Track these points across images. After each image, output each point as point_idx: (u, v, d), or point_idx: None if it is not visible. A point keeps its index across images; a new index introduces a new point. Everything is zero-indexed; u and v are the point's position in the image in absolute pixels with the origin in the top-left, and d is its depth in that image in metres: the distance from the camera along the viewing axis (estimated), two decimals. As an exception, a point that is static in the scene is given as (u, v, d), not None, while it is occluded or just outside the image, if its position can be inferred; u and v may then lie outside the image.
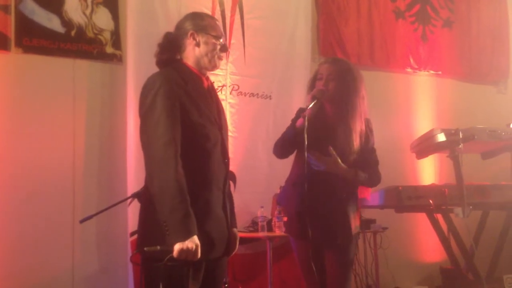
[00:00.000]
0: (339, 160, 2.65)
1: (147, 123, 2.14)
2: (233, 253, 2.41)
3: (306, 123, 2.58)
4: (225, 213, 2.27)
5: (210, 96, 2.32)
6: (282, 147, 2.81)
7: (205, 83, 2.32)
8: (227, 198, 2.36)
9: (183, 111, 2.14)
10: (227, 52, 4.51)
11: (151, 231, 2.13)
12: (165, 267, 2.03)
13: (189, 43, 2.29)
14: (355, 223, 2.75)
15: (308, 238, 2.57)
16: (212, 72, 4.30)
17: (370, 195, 4.03)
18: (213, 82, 4.37)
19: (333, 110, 2.74)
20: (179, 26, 2.33)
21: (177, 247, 2.00)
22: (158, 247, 2.04)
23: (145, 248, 2.07)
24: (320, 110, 2.71)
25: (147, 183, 2.13)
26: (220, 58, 2.33)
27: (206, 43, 2.28)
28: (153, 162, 2.09)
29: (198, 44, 2.28)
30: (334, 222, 2.70)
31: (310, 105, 2.64)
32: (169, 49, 2.31)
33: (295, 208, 2.76)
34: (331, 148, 2.64)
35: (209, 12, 4.46)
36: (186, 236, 2.02)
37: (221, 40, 2.33)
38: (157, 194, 2.06)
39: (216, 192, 2.22)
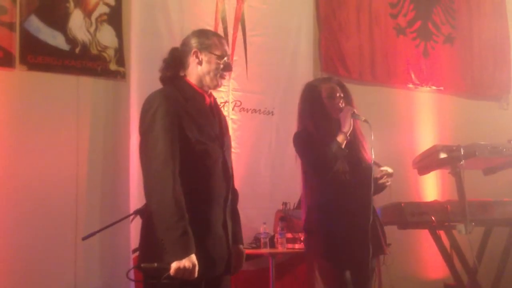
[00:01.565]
0: None
1: (146, 141, 2.16)
2: (238, 270, 2.42)
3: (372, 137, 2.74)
4: (225, 231, 2.26)
5: (212, 113, 2.34)
6: (331, 167, 2.73)
7: (207, 100, 2.34)
8: (232, 214, 2.38)
9: (182, 129, 2.15)
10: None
11: (151, 248, 2.13)
12: (162, 285, 2.03)
13: (192, 61, 2.31)
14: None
15: (354, 256, 2.65)
16: (215, 88, 4.44)
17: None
18: (215, 98, 4.42)
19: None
20: (185, 43, 2.36)
21: (174, 265, 2.01)
22: (156, 264, 2.05)
23: (142, 265, 2.10)
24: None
25: (146, 201, 2.14)
26: (222, 77, 2.35)
27: (208, 62, 2.30)
28: (151, 180, 2.10)
29: (200, 63, 2.30)
30: (378, 229, 2.80)
31: (362, 119, 2.78)
32: (174, 65, 2.33)
33: (337, 232, 2.71)
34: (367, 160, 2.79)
35: (211, 29, 4.51)
36: (184, 254, 2.02)
37: (226, 59, 2.34)
38: (155, 211, 2.08)
39: (216, 209, 2.22)
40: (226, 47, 2.38)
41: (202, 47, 2.31)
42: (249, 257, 3.98)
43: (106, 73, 4.18)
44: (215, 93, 4.30)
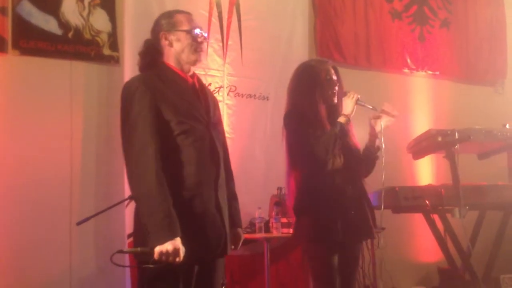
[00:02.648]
0: None
1: (125, 127, 2.16)
2: (237, 249, 2.42)
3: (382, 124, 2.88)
4: (218, 212, 2.22)
5: (195, 93, 2.30)
6: (333, 150, 2.71)
7: (190, 81, 2.31)
8: (230, 197, 2.37)
9: (161, 112, 2.13)
10: (225, 54, 4.53)
11: (140, 233, 2.13)
12: (153, 269, 2.02)
13: (164, 45, 2.30)
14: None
15: (344, 239, 2.64)
16: (209, 73, 4.43)
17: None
18: (210, 83, 4.41)
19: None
20: (152, 30, 2.35)
21: (156, 249, 1.99)
22: (139, 249, 2.05)
23: (124, 250, 2.09)
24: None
25: (129, 186, 2.14)
26: (198, 51, 2.31)
27: (178, 40, 2.28)
28: (132, 165, 2.10)
29: (171, 44, 2.29)
30: (367, 213, 2.79)
31: (369, 106, 2.85)
32: (150, 54, 2.31)
33: (327, 213, 2.69)
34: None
35: (206, 14, 4.48)
36: (166, 238, 2.00)
37: (196, 32, 2.30)
38: (137, 196, 2.08)
39: (207, 190, 2.19)
40: (194, 22, 2.34)
41: (168, 27, 2.29)
42: (244, 241, 3.96)
43: (99, 58, 4.15)
44: (210, 79, 4.42)
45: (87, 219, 3.09)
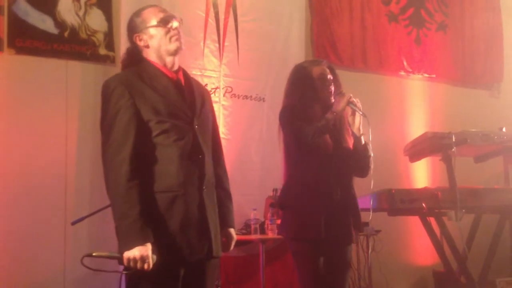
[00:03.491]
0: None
1: (102, 128, 2.12)
2: (225, 252, 2.33)
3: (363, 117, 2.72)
4: (202, 213, 2.13)
5: (179, 90, 2.21)
6: (315, 137, 2.67)
7: (173, 77, 2.22)
8: (223, 197, 2.31)
9: (140, 109, 2.07)
10: (221, 55, 4.52)
11: None
12: (132, 274, 1.98)
13: (141, 46, 2.22)
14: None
15: (326, 238, 2.60)
16: (206, 74, 4.41)
17: (363, 197, 4.02)
18: (206, 84, 4.39)
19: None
20: (127, 36, 2.28)
21: (124, 255, 1.95)
22: (107, 253, 2.00)
23: (93, 253, 2.02)
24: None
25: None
26: (175, 39, 2.20)
27: (151, 37, 2.20)
28: (105, 168, 2.06)
29: (146, 43, 2.20)
30: (350, 218, 2.74)
31: (359, 111, 2.73)
32: (130, 59, 2.24)
33: (311, 209, 2.67)
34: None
35: (202, 14, 4.48)
36: (134, 244, 1.94)
37: (166, 22, 2.21)
38: (110, 200, 2.03)
39: (189, 189, 2.10)
40: (162, 11, 2.24)
41: (138, 28, 2.21)
42: (239, 243, 3.96)
43: (95, 58, 4.14)
44: (206, 79, 4.40)
45: (82, 218, 3.07)
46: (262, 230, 4.04)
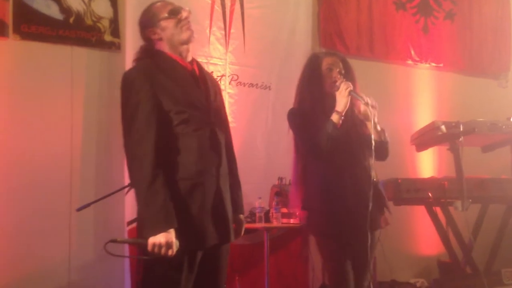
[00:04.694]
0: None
1: (124, 118, 2.15)
2: (237, 238, 2.40)
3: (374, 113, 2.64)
4: (220, 200, 2.21)
5: (195, 80, 2.28)
6: (331, 146, 2.66)
7: (189, 67, 2.30)
8: (233, 183, 2.36)
9: (160, 99, 2.13)
10: (227, 42, 4.49)
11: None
12: (156, 260, 2.01)
13: (155, 40, 2.29)
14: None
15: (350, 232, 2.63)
16: (211, 61, 4.39)
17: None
18: (212, 71, 4.37)
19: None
20: (140, 33, 2.35)
21: (149, 241, 1.99)
22: (132, 240, 2.08)
23: (117, 239, 2.08)
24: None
25: (129, 177, 2.14)
26: (187, 28, 2.28)
27: (163, 29, 2.28)
28: (130, 156, 2.10)
29: (160, 36, 2.28)
30: (375, 205, 2.71)
31: (362, 100, 2.65)
32: (144, 55, 2.30)
33: (333, 206, 2.69)
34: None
35: (209, 1, 4.44)
36: (159, 230, 1.99)
37: (176, 12, 2.28)
38: (134, 188, 2.08)
39: (208, 178, 2.18)
40: (170, 4, 2.32)
41: (150, 23, 2.29)
42: (244, 231, 3.97)
43: (100, 44, 4.12)
44: (212, 67, 4.38)
45: (87, 205, 3.07)
46: (267, 219, 4.03)
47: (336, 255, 2.70)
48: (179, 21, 2.27)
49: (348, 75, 2.81)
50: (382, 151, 2.75)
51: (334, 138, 2.63)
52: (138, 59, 2.30)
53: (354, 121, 2.78)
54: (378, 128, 2.72)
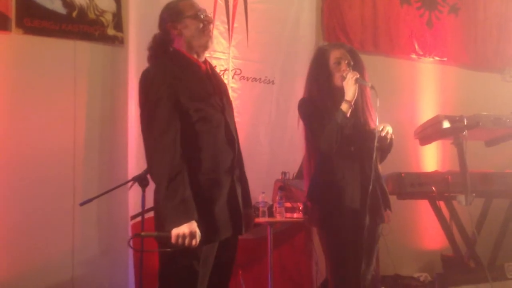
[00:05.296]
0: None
1: (144, 113, 2.20)
2: (248, 231, 2.45)
3: (378, 102, 2.63)
4: (234, 194, 2.28)
5: (209, 79, 2.35)
6: (338, 140, 2.66)
7: (203, 67, 2.36)
8: (241, 180, 2.41)
9: (179, 98, 2.18)
10: (230, 36, 4.47)
11: (158, 216, 2.19)
12: (175, 252, 2.06)
13: (174, 35, 2.34)
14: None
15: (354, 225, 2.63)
16: (214, 55, 4.38)
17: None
18: (215, 66, 4.36)
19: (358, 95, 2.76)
20: (159, 24, 2.39)
21: (173, 232, 2.05)
22: (156, 233, 2.10)
23: (141, 233, 2.16)
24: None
25: (148, 171, 2.21)
26: (206, 33, 2.35)
27: (186, 27, 2.32)
28: (152, 150, 2.15)
29: (180, 32, 2.32)
30: (379, 201, 2.76)
31: (368, 84, 2.68)
32: (157, 47, 2.35)
33: (339, 202, 2.70)
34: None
35: (212, -6, 4.43)
36: (182, 221, 2.05)
37: (201, 16, 2.34)
38: (156, 181, 2.13)
39: (223, 174, 2.25)
40: (197, 5, 2.38)
41: (174, 17, 2.33)
42: (248, 225, 3.98)
43: (103, 38, 4.11)
44: (215, 61, 4.37)
45: (90, 200, 3.07)
46: (270, 213, 4.02)
47: (337, 248, 2.71)
48: (203, 25, 2.33)
49: (357, 65, 2.82)
50: (383, 149, 2.79)
51: (344, 127, 2.63)
52: (153, 54, 2.35)
53: (364, 113, 2.79)
54: (383, 134, 2.71)
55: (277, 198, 4.01)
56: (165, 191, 2.07)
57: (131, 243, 2.17)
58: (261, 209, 4.02)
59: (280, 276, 4.24)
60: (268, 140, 4.58)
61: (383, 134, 2.69)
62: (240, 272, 4.07)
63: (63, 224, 3.85)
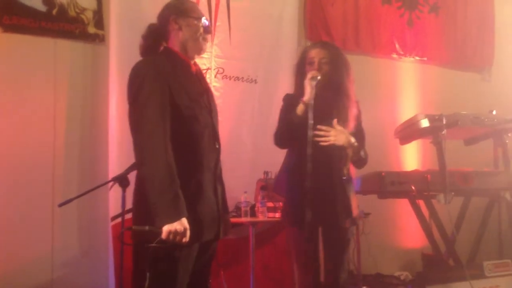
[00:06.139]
0: (347, 132, 2.71)
1: (135, 108, 2.17)
2: (225, 236, 2.41)
3: (312, 101, 2.62)
4: (215, 196, 2.28)
5: (198, 80, 2.36)
6: (289, 137, 2.73)
7: (193, 68, 2.36)
8: (219, 182, 2.39)
9: (171, 94, 2.16)
10: (213, 35, 4.46)
11: (143, 213, 2.16)
12: (156, 248, 2.05)
13: (172, 29, 2.32)
14: (355, 205, 2.80)
15: (307, 224, 2.56)
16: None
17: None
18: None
19: (329, 94, 2.74)
20: (160, 15, 2.38)
21: (165, 228, 2.04)
22: (147, 227, 2.07)
23: (133, 227, 2.13)
24: (316, 95, 2.70)
25: (137, 167, 2.17)
26: (205, 40, 2.37)
27: (188, 25, 2.32)
28: (142, 145, 2.12)
29: (180, 28, 2.32)
30: (336, 204, 2.73)
31: (318, 77, 2.67)
32: (153, 38, 2.33)
33: (293, 195, 2.73)
34: (336, 120, 2.68)
35: (194, -8, 4.40)
36: (175, 217, 2.05)
37: (204, 22, 2.36)
38: (147, 176, 2.10)
39: (207, 174, 2.25)
40: (201, 11, 2.41)
41: (179, 12, 2.33)
42: (230, 225, 3.97)
43: (84, 36, 4.07)
44: (197, 60, 4.28)
45: (69, 200, 3.04)
46: (253, 213, 4.02)
47: (300, 245, 2.71)
48: (203, 32, 2.34)
49: (338, 65, 2.80)
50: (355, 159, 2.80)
51: (294, 126, 2.67)
52: (146, 45, 2.32)
53: (324, 109, 2.75)
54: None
55: (259, 197, 4.02)
56: (157, 186, 2.06)
57: (122, 237, 2.13)
58: (243, 209, 4.02)
59: (263, 275, 4.24)
60: (251, 139, 4.57)
61: (322, 143, 2.68)
62: (222, 272, 4.07)
63: (42, 224, 3.81)
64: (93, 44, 4.10)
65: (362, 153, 2.82)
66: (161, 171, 2.06)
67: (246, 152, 4.51)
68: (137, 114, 2.15)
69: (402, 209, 4.87)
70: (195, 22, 2.33)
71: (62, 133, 3.95)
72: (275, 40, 4.71)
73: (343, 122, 2.74)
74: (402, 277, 4.93)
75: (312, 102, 2.63)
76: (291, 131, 2.71)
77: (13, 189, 3.72)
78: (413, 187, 3.80)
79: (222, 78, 4.51)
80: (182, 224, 2.05)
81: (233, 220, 3.96)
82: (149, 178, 2.09)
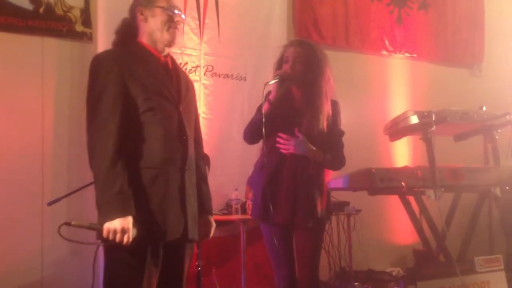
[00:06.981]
0: (307, 142, 2.69)
1: (89, 100, 2.13)
2: (205, 239, 2.38)
3: (268, 107, 2.70)
4: (182, 195, 2.16)
5: (167, 73, 2.27)
6: (251, 133, 2.81)
7: (162, 59, 2.28)
8: (201, 182, 2.34)
9: (127, 85, 2.10)
10: (202, 32, 4.44)
11: None
12: (118, 253, 1.99)
13: (139, 20, 2.27)
14: (321, 207, 2.77)
15: (271, 220, 2.62)
16: (186, 52, 4.34)
17: (341, 178, 4.01)
18: (187, 62, 4.33)
19: (300, 93, 2.78)
20: (130, 8, 2.32)
21: (105, 226, 1.96)
22: (87, 224, 2.02)
23: (72, 222, 2.04)
24: (286, 93, 2.75)
25: (89, 160, 2.10)
26: (173, 30, 2.26)
27: (153, 16, 2.25)
28: (92, 139, 2.07)
29: (146, 19, 2.25)
30: (299, 205, 2.72)
31: (271, 82, 2.69)
32: (124, 32, 2.28)
33: (261, 190, 2.75)
34: (297, 129, 2.69)
35: (182, -10, 4.38)
36: (115, 215, 1.96)
37: (175, 11, 2.27)
38: (93, 171, 2.05)
39: (171, 170, 2.14)
40: (172, 1, 2.31)
41: (145, 3, 2.26)
42: (220, 223, 3.96)
43: (71, 35, 4.05)
44: (186, 58, 4.33)
45: (59, 199, 3.02)
46: (243, 211, 4.02)
47: (271, 239, 2.73)
48: (170, 20, 2.25)
49: (313, 63, 2.78)
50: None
51: (256, 124, 2.71)
52: (118, 40, 2.27)
53: (293, 107, 2.78)
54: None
55: (250, 195, 4.01)
56: (101, 182, 1.99)
57: (61, 231, 2.04)
58: (234, 206, 4.02)
59: (254, 273, 4.24)
60: (241, 137, 4.53)
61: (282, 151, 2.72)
62: (214, 270, 4.07)
63: (32, 223, 3.78)
64: (80, 42, 4.08)
65: (328, 156, 2.79)
66: (106, 166, 1.99)
67: (236, 150, 4.49)
68: (91, 106, 2.11)
69: (393, 205, 4.88)
70: (161, 12, 2.24)
71: (51, 132, 3.93)
72: (265, 38, 4.71)
73: (313, 121, 2.74)
74: (394, 273, 4.95)
75: (276, 101, 2.69)
76: (254, 129, 2.75)
77: (2, 188, 3.69)
78: (403, 184, 3.80)
79: (212, 76, 4.50)
80: (121, 223, 1.94)
81: (223, 217, 3.97)
82: (95, 173, 2.03)
